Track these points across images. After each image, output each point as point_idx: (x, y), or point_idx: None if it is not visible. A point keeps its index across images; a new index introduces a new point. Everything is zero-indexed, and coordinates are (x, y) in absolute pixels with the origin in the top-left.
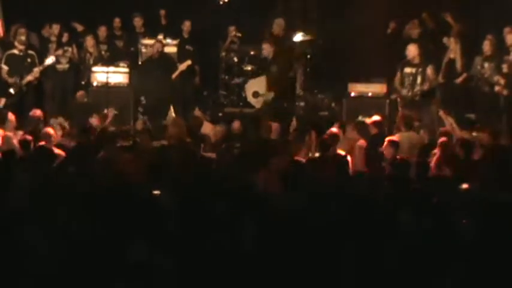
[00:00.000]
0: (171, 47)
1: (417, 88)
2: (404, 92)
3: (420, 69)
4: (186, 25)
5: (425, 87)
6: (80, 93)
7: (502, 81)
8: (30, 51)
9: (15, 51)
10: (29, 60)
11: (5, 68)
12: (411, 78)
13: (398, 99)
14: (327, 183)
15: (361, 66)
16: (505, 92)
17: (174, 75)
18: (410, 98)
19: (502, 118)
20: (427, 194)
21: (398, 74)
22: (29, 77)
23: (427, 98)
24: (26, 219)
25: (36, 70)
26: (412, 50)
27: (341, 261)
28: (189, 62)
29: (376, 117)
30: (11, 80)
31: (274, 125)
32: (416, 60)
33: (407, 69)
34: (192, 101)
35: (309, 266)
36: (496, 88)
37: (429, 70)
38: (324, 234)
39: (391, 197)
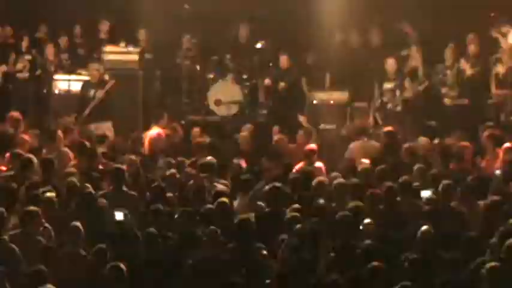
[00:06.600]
0: (133, 55)
1: None
2: None
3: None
4: (141, 34)
5: None
6: None
7: (452, 93)
8: None
9: None
10: None
11: None
12: None
13: None
14: None
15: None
16: (452, 102)
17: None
18: None
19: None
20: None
21: None
22: None
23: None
24: None
25: None
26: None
27: None
28: (112, 82)
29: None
30: None
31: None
32: None
33: None
34: (154, 107)
35: None
36: (446, 100)
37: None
38: None
39: None
